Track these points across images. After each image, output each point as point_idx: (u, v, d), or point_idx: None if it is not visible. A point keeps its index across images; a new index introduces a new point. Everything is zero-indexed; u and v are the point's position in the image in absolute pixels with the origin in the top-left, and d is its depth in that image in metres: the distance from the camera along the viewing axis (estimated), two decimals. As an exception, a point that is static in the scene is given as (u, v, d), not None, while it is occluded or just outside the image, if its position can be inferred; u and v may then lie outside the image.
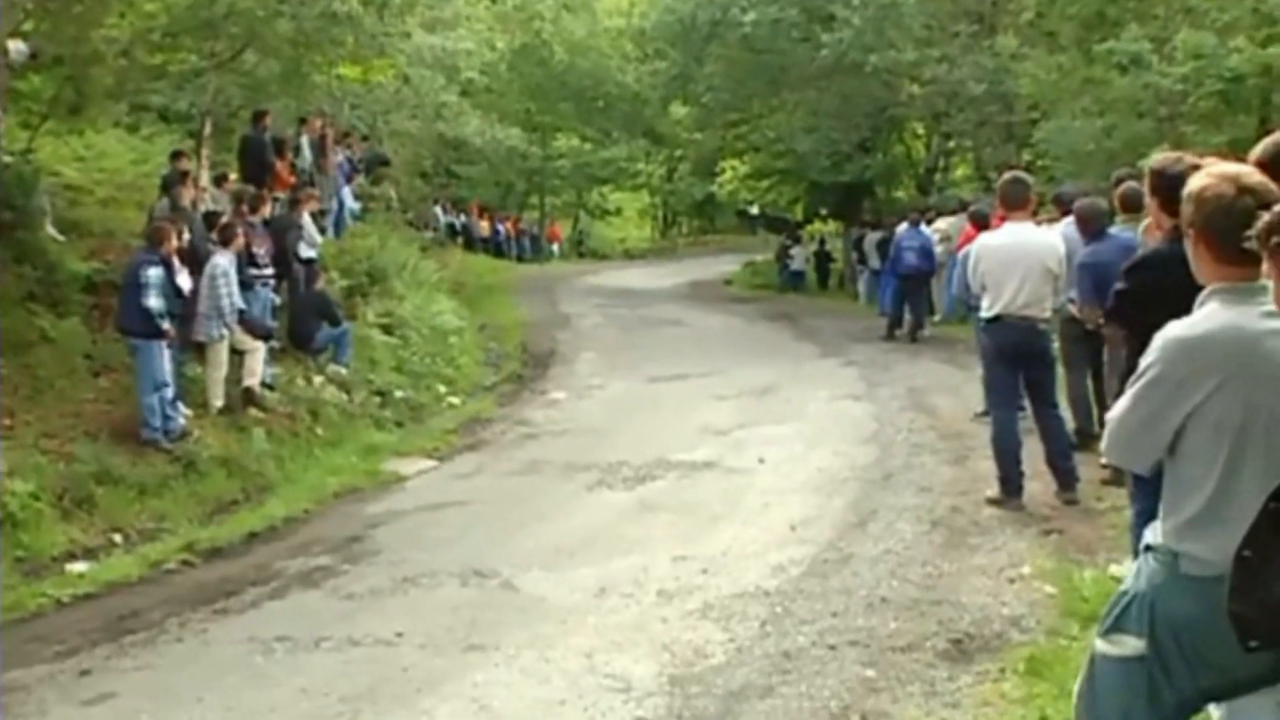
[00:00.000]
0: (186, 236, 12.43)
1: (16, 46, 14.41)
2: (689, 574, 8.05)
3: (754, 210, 45.98)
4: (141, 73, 17.13)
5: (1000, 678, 5.98)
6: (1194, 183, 3.62)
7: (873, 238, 25.38)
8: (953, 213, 20.91)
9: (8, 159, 13.23)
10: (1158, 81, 17.26)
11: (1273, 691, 3.53)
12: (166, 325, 11.52)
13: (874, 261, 24.69)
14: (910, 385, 14.96)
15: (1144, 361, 3.56)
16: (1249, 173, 3.59)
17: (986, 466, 9.79)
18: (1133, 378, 3.60)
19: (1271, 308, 3.38)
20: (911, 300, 19.90)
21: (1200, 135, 17.31)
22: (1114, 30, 18.69)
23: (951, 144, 31.83)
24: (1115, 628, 3.62)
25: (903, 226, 20.82)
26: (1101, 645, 3.67)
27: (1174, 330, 3.55)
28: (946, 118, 27.59)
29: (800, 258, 34.46)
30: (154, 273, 11.42)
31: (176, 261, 11.92)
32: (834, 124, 30.11)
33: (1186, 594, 3.49)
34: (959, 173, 33.57)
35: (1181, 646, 3.48)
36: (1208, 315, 3.54)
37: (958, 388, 14.38)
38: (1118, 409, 3.67)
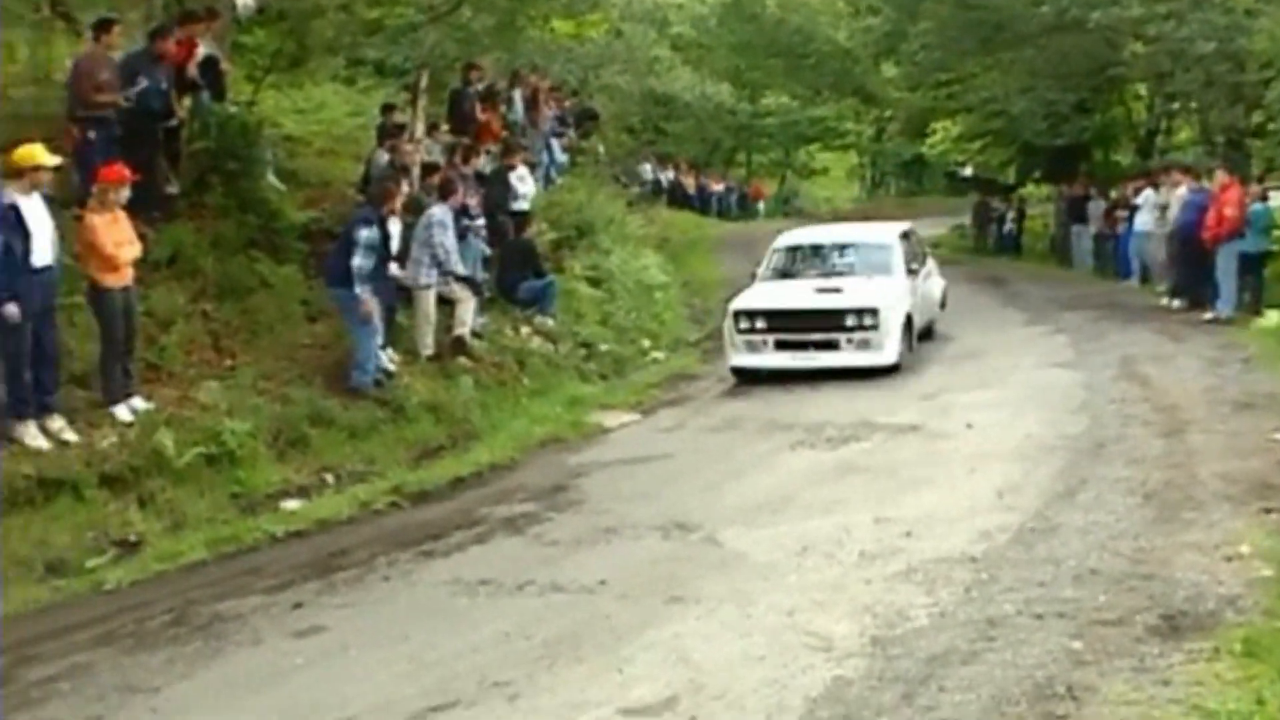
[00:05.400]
0: (406, 189, 12.69)
1: (244, 1, 14.88)
2: (891, 536, 7.93)
3: (966, 172, 45.08)
4: (359, 27, 17.52)
5: (1214, 657, 5.71)
6: None
7: (1149, 197, 21.57)
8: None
9: (233, 110, 13.65)
10: None
11: None
12: (359, 289, 11.60)
13: (1152, 223, 20.83)
14: (1122, 354, 14.43)
15: None
16: None
17: (1202, 440, 9.57)
18: None
19: None
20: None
21: None
22: (1363, -16, 17.78)
23: (1175, 105, 30.64)
24: None
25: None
26: None
27: None
28: (1170, 78, 26.46)
29: (1013, 221, 33.54)
30: (365, 234, 11.61)
31: (394, 220, 12.17)
32: (1051, 84, 29.30)
33: None
34: (1182, 135, 32.29)
35: None
36: None
37: (1171, 358, 13.91)
38: None
